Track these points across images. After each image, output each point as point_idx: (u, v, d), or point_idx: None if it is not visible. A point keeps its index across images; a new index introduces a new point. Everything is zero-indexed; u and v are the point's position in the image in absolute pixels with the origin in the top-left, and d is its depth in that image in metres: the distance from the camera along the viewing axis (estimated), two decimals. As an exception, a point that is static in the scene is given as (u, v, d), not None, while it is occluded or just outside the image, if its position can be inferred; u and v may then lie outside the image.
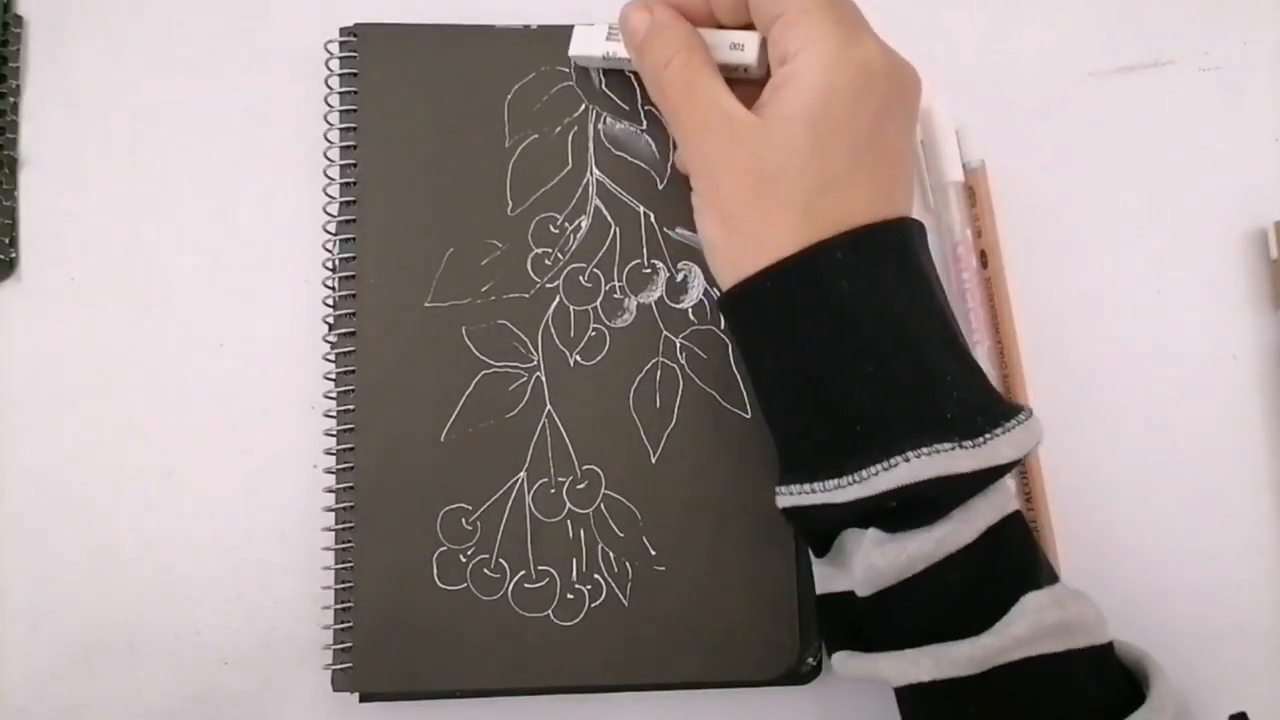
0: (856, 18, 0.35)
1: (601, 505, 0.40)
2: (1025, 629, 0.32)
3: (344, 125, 0.42)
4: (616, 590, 0.40)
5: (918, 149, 0.37)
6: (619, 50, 0.40)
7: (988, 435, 0.32)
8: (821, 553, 0.37)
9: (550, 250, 0.42)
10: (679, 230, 0.42)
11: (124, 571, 0.42)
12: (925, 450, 0.32)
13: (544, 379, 0.41)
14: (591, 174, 0.42)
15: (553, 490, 0.40)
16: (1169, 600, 0.42)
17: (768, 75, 0.36)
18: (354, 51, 0.42)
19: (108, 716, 0.41)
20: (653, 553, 0.40)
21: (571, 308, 0.41)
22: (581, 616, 0.40)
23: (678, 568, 0.40)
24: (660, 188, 0.42)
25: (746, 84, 0.37)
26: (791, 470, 0.35)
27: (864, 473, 0.33)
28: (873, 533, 0.34)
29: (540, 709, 0.41)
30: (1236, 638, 0.42)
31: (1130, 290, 0.44)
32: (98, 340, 0.43)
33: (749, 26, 0.37)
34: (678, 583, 0.40)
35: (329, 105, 0.42)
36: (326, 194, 0.42)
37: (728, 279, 0.35)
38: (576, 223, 0.42)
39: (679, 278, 0.42)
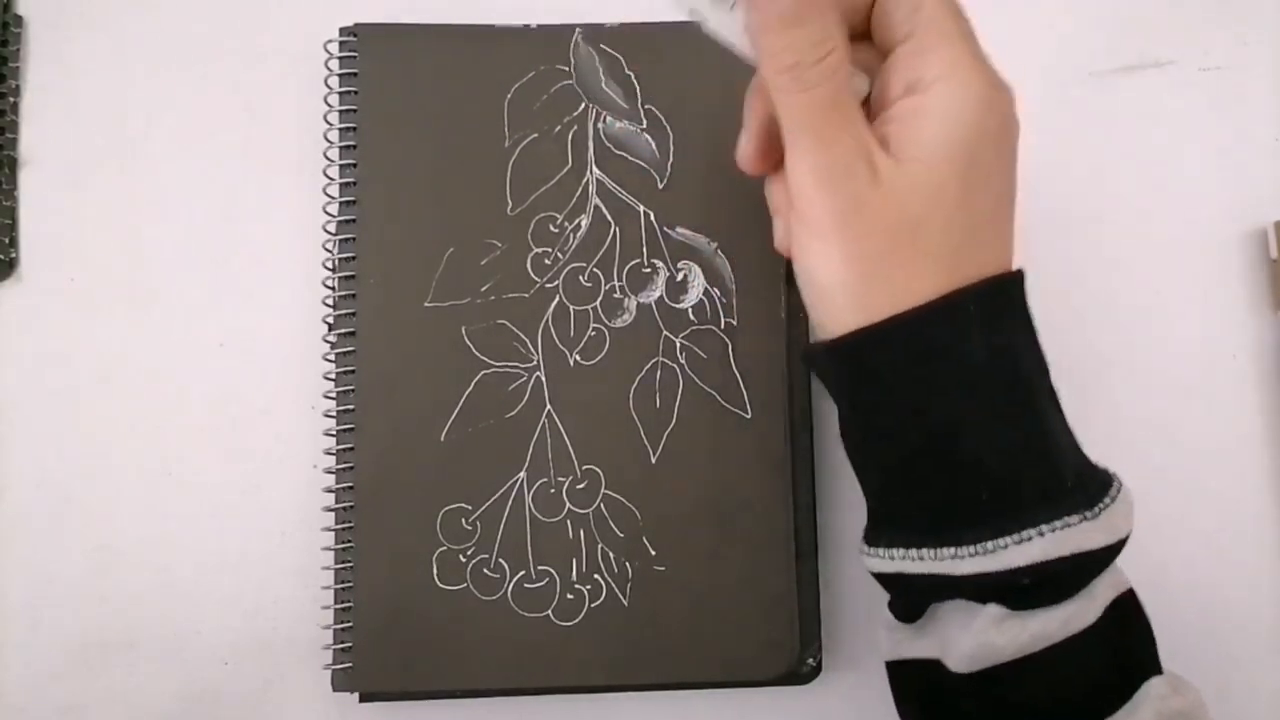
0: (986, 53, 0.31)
1: (601, 505, 0.40)
2: (1150, 717, 0.30)
3: (344, 125, 0.42)
4: (616, 590, 0.40)
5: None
6: (716, 17, 0.31)
7: (1103, 504, 0.30)
8: (911, 619, 0.33)
9: (550, 250, 0.42)
10: (679, 230, 0.42)
11: (124, 571, 0.42)
12: (1058, 524, 0.30)
13: (544, 379, 0.41)
14: (591, 173, 0.42)
15: (553, 490, 0.40)
16: (1169, 600, 0.42)
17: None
18: (354, 51, 0.42)
19: (108, 716, 0.41)
20: (653, 553, 0.40)
21: (571, 307, 0.41)
22: (581, 616, 0.40)
23: (678, 568, 0.40)
24: (660, 187, 0.42)
25: None
26: (891, 532, 0.32)
27: (990, 544, 0.30)
28: (993, 609, 0.31)
29: (540, 709, 0.41)
30: (1236, 638, 0.42)
31: (1130, 290, 0.44)
32: (98, 340, 0.43)
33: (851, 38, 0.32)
34: (678, 583, 0.40)
35: (329, 105, 0.42)
36: (326, 194, 0.42)
37: (845, 324, 0.31)
38: (576, 222, 0.42)
39: (679, 277, 0.42)
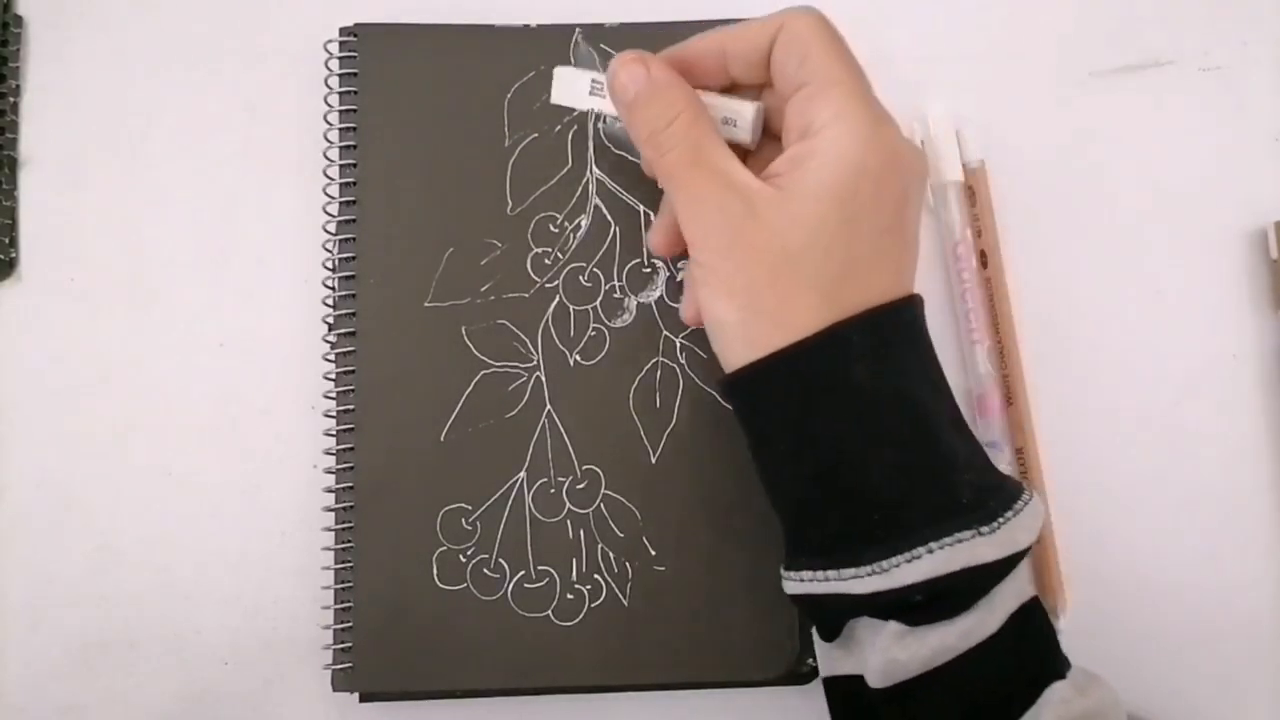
0: (876, 97, 0.34)
1: (601, 505, 0.40)
2: None
3: (344, 125, 0.42)
4: (616, 590, 0.40)
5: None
6: (606, 107, 0.37)
7: (1002, 519, 0.31)
8: (830, 638, 0.35)
9: (550, 250, 0.42)
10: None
11: (124, 571, 0.42)
12: (948, 540, 0.31)
13: (544, 379, 0.41)
14: (591, 173, 0.42)
15: (553, 490, 0.40)
16: (1169, 600, 0.42)
17: (768, 146, 0.36)
18: (354, 51, 0.42)
19: (108, 716, 0.41)
20: (653, 553, 0.40)
21: (571, 307, 0.41)
22: (581, 616, 0.40)
23: (678, 568, 0.40)
24: (660, 186, 0.42)
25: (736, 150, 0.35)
26: (802, 555, 0.34)
27: (884, 564, 0.31)
28: (893, 626, 0.32)
29: (540, 709, 0.41)
30: (1236, 638, 0.42)
31: (1130, 290, 0.44)
32: (98, 340, 0.43)
33: (759, 86, 0.36)
34: (678, 583, 0.40)
35: (329, 105, 0.42)
36: (326, 194, 0.42)
37: (738, 359, 0.33)
38: (576, 222, 0.42)
39: (679, 277, 0.42)
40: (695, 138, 0.34)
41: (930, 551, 0.31)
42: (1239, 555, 0.42)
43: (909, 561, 0.31)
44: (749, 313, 0.33)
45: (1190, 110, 0.45)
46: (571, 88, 0.37)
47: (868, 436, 0.32)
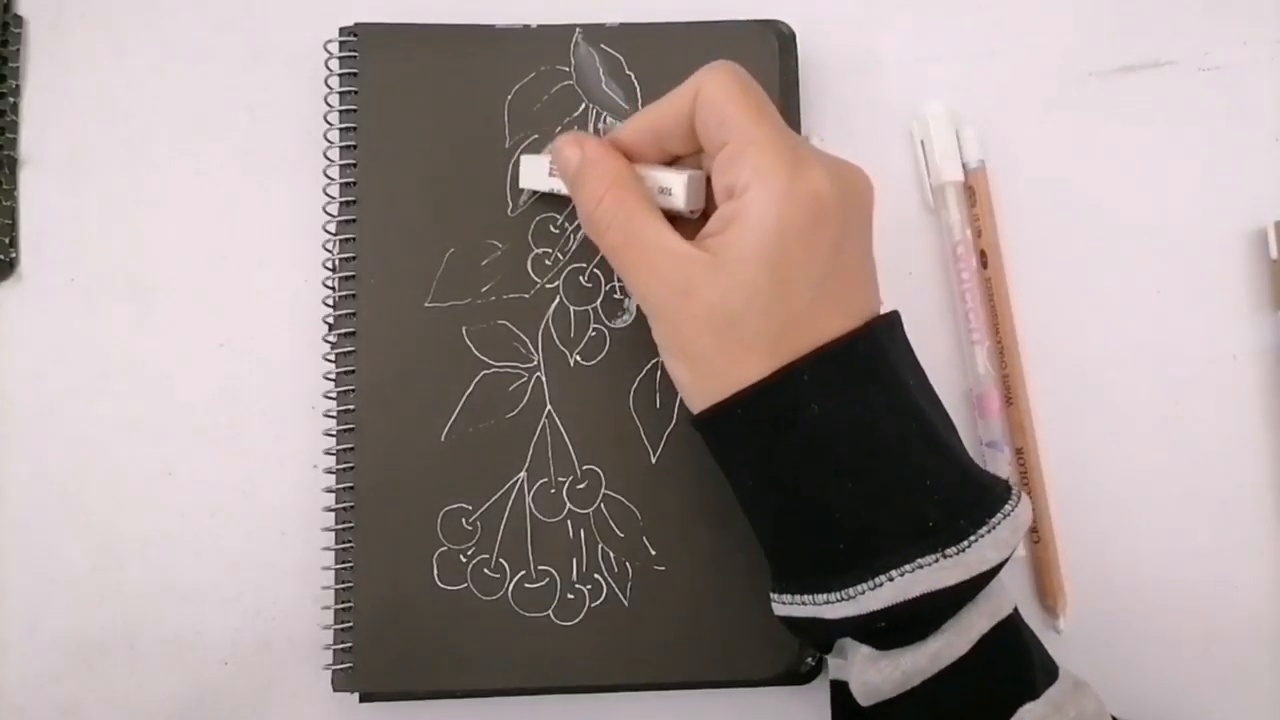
0: (799, 143, 0.34)
1: (601, 505, 0.40)
2: None
3: (344, 125, 0.42)
4: (616, 590, 0.40)
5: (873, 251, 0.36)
6: (562, 186, 0.38)
7: (971, 539, 0.32)
8: (826, 652, 0.36)
9: (550, 250, 0.42)
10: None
11: (124, 571, 0.42)
12: (909, 567, 0.31)
13: (544, 379, 0.41)
14: (591, 174, 0.42)
15: (553, 490, 0.40)
16: (1169, 600, 0.42)
17: (705, 210, 0.36)
18: (354, 51, 0.42)
19: (108, 716, 0.41)
20: (653, 553, 0.40)
21: (571, 308, 0.41)
22: (581, 616, 0.40)
23: (678, 568, 0.40)
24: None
25: (685, 219, 0.36)
26: (782, 581, 0.35)
27: (850, 591, 0.32)
28: (865, 650, 0.33)
29: (540, 709, 0.41)
30: (1236, 638, 0.42)
31: (1130, 290, 0.44)
32: (98, 340, 0.43)
33: (698, 154, 0.36)
34: (678, 583, 0.40)
35: (329, 105, 0.42)
36: (326, 194, 0.42)
37: (698, 409, 0.34)
38: (576, 223, 0.42)
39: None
40: (626, 214, 0.34)
41: (891, 579, 0.31)
42: (1239, 555, 0.42)
43: (873, 589, 0.32)
44: (700, 373, 0.34)
45: (1190, 110, 0.45)
46: (534, 170, 0.40)
47: (824, 470, 0.32)
